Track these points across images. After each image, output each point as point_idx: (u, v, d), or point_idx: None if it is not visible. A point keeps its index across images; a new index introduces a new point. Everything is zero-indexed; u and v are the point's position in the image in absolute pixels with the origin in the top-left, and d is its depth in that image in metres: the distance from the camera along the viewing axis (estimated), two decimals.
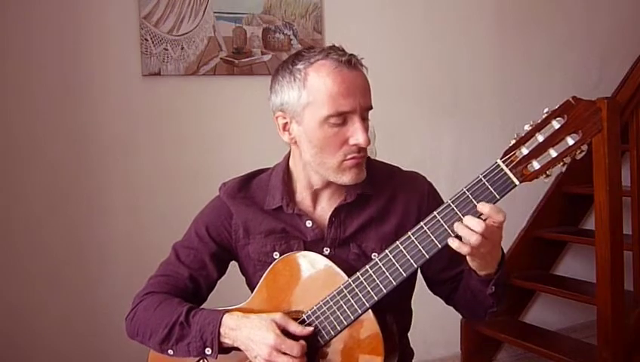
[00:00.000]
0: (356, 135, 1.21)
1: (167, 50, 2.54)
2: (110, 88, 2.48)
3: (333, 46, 1.25)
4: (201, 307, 1.32)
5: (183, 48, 2.57)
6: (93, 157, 2.47)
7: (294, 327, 1.21)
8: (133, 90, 2.51)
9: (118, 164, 2.50)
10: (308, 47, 1.29)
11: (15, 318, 2.36)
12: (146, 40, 2.51)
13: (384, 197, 1.33)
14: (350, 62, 1.22)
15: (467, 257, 1.17)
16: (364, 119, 1.24)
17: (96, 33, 2.45)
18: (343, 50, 1.25)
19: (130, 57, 2.49)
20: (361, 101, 1.22)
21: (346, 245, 1.32)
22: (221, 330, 1.23)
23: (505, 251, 3.65)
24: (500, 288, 1.24)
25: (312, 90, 1.21)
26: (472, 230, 1.10)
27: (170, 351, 1.28)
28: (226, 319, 1.24)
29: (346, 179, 1.26)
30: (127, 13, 2.48)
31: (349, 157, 1.23)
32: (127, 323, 1.35)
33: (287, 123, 1.28)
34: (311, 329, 1.22)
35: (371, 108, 1.26)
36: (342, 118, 1.21)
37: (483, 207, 1.10)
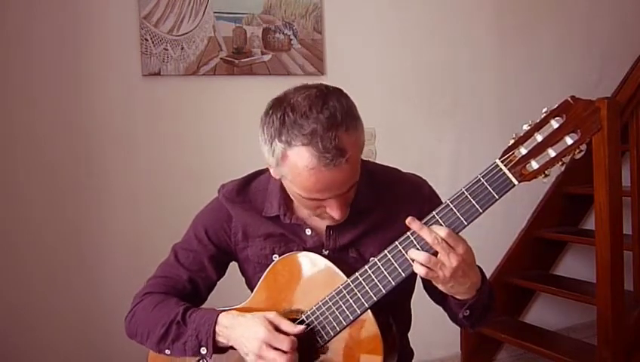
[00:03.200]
0: (331, 210, 1.20)
1: (167, 50, 2.54)
2: (110, 88, 2.48)
3: (320, 119, 1.10)
4: (200, 307, 1.32)
5: (183, 48, 2.57)
6: (92, 157, 2.47)
7: (287, 326, 1.21)
8: (133, 90, 2.51)
9: (118, 164, 2.50)
10: (298, 103, 1.12)
11: (15, 318, 2.36)
12: (146, 40, 2.51)
13: (384, 206, 1.32)
14: (330, 164, 1.10)
15: (436, 284, 1.16)
16: (347, 193, 1.19)
17: (97, 33, 2.45)
18: (332, 128, 1.10)
19: (130, 57, 2.50)
20: (339, 191, 1.17)
21: (344, 250, 1.31)
22: (216, 329, 1.24)
23: (505, 251, 3.60)
24: (477, 311, 1.23)
25: (289, 172, 1.15)
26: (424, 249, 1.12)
27: (167, 351, 1.29)
28: (221, 318, 1.24)
29: (325, 222, 1.28)
30: (127, 13, 2.49)
31: (325, 215, 1.24)
32: (127, 324, 1.36)
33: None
34: (303, 327, 1.22)
35: (357, 181, 1.20)
36: (317, 200, 1.19)
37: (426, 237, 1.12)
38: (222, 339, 1.24)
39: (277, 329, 1.20)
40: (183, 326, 1.26)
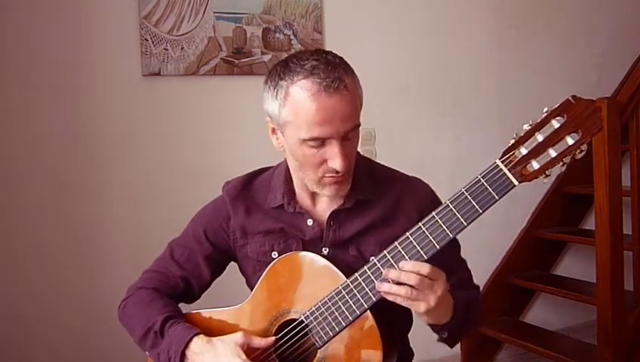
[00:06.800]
0: (333, 159, 1.19)
1: (167, 50, 2.54)
2: (110, 88, 2.48)
3: (320, 60, 1.18)
4: (181, 318, 1.33)
5: (183, 48, 2.57)
6: (93, 157, 2.47)
7: (258, 342, 1.24)
8: (133, 90, 2.51)
9: (118, 164, 2.50)
10: (300, 54, 1.21)
11: (15, 318, 2.36)
12: (146, 40, 2.51)
13: (385, 204, 1.32)
14: (330, 87, 1.15)
15: (416, 315, 1.18)
16: (346, 140, 1.20)
17: (97, 33, 2.45)
18: (331, 65, 1.17)
19: (130, 57, 2.49)
20: (340, 127, 1.17)
21: (344, 247, 1.32)
22: (186, 352, 1.24)
23: (505, 251, 3.60)
24: (454, 331, 1.26)
25: (291, 111, 1.18)
26: (407, 284, 1.12)
27: (146, 352, 1.32)
28: (193, 343, 1.25)
29: (327, 192, 1.26)
30: (127, 13, 2.48)
31: (327, 175, 1.23)
32: (119, 312, 1.40)
33: (274, 128, 1.27)
34: (273, 339, 1.24)
35: (357, 126, 1.21)
36: (320, 142, 1.18)
37: (405, 265, 1.13)
38: None
39: (249, 347, 1.22)
40: (160, 337, 1.28)
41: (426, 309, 1.14)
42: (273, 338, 1.24)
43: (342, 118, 1.17)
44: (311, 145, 1.19)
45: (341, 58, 1.22)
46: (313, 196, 1.33)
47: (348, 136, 1.20)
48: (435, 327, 1.25)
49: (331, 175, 1.22)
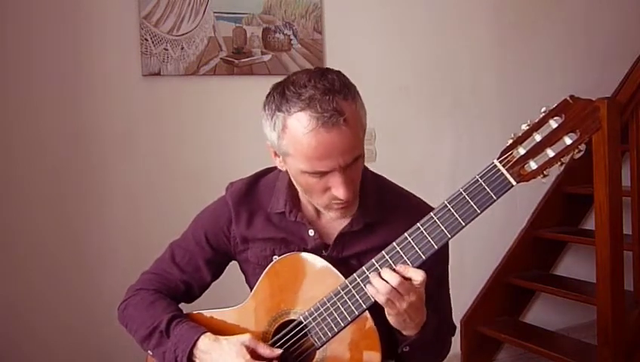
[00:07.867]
0: (336, 188, 1.17)
1: (167, 50, 2.54)
2: (110, 88, 2.48)
3: (318, 87, 1.12)
4: (185, 318, 1.33)
5: (183, 48, 2.57)
6: (93, 157, 2.47)
7: (263, 350, 1.23)
8: (133, 90, 2.51)
9: (118, 164, 2.50)
10: (297, 79, 1.15)
11: (15, 318, 2.36)
12: (146, 40, 2.51)
13: (392, 228, 1.27)
14: (328, 122, 1.10)
15: (386, 313, 1.18)
16: (349, 168, 1.17)
17: (97, 33, 2.45)
18: (329, 94, 1.12)
19: (130, 57, 2.49)
20: (341, 160, 1.14)
21: (346, 260, 1.30)
22: (194, 351, 1.25)
23: (505, 251, 3.60)
24: (417, 349, 1.25)
25: (289, 144, 1.15)
26: (387, 283, 1.13)
27: (150, 352, 1.33)
28: (200, 341, 1.26)
29: (334, 215, 1.25)
30: (127, 13, 2.48)
31: (333, 202, 1.21)
32: (119, 313, 1.40)
33: (276, 152, 1.23)
34: (280, 351, 1.24)
35: (360, 156, 1.19)
36: (321, 173, 1.16)
37: (402, 269, 1.14)
38: (197, 361, 1.26)
39: (254, 352, 1.22)
40: (165, 336, 1.29)
41: (397, 312, 1.15)
42: (280, 350, 1.24)
43: (341, 152, 1.13)
44: (313, 176, 1.17)
45: (341, 78, 1.16)
46: (317, 208, 1.31)
47: (350, 166, 1.17)
48: (400, 336, 1.24)
49: (337, 202, 1.21)
